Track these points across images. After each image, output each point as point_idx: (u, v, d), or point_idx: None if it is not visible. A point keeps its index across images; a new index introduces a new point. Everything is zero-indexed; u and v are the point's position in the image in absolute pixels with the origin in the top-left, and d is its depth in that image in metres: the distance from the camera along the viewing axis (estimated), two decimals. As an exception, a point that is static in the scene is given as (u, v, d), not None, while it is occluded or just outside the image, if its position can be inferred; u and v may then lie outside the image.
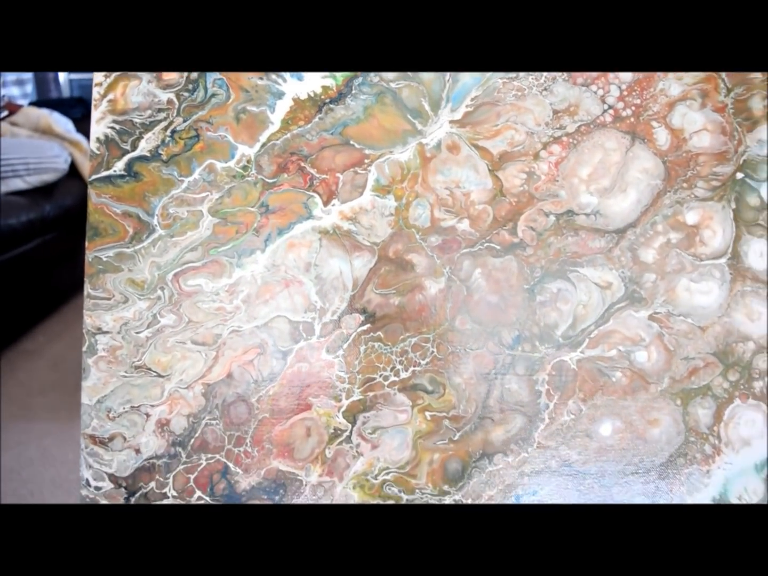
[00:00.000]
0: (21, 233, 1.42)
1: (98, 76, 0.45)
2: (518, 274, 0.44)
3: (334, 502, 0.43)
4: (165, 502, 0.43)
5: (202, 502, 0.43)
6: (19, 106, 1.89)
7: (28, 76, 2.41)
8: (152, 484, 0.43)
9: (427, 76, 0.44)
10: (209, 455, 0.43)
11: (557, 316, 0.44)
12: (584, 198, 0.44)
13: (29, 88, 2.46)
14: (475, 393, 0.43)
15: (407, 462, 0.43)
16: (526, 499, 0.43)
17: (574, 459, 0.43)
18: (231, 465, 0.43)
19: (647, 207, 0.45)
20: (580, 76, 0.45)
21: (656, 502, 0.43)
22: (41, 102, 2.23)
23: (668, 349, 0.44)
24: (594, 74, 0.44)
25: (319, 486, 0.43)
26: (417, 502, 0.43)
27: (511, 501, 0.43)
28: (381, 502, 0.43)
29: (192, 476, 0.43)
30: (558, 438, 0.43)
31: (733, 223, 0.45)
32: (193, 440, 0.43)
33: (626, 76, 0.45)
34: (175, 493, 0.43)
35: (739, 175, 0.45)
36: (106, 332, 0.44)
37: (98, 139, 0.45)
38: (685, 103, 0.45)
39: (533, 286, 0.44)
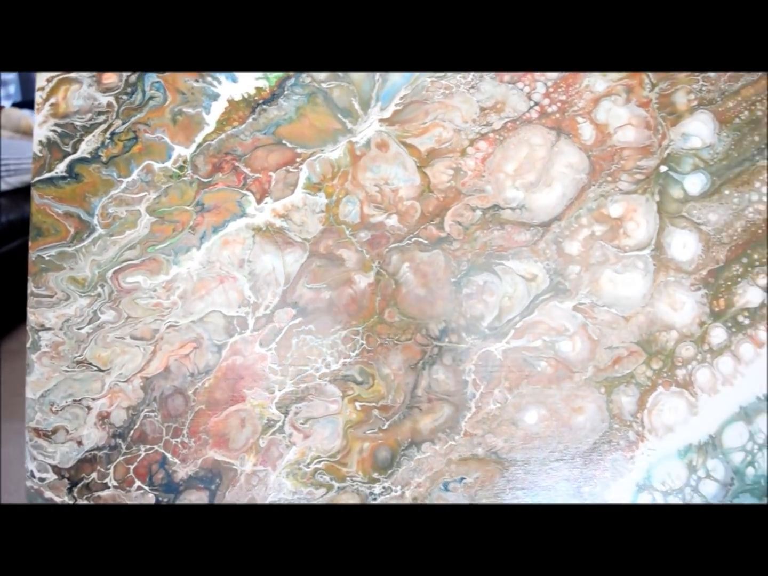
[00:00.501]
0: (2, 234, 1.44)
1: (41, 81, 0.47)
2: (445, 268, 0.45)
3: (267, 491, 0.44)
4: (106, 492, 0.45)
5: (141, 491, 0.45)
6: (0, 107, 1.92)
7: (11, 76, 2.43)
8: (94, 475, 0.45)
9: (357, 76, 0.46)
10: (148, 446, 0.45)
11: (483, 308, 0.45)
12: (510, 193, 0.45)
13: (12, 88, 2.48)
14: (404, 383, 0.45)
15: (338, 451, 0.45)
16: (453, 486, 0.44)
17: (500, 446, 0.45)
18: (169, 455, 0.45)
19: (572, 200, 0.46)
20: (507, 74, 0.46)
21: (580, 489, 0.45)
22: (24, 103, 2.25)
23: (592, 339, 0.45)
24: (520, 72, 0.46)
25: (254, 475, 0.44)
26: (348, 489, 0.44)
27: (439, 488, 0.44)
28: (313, 490, 0.44)
29: (132, 467, 0.45)
30: (484, 426, 0.45)
31: (657, 215, 0.46)
32: (132, 432, 0.45)
33: (552, 74, 0.46)
34: (115, 483, 0.45)
35: (663, 168, 0.46)
36: (49, 329, 0.45)
37: (41, 142, 0.46)
38: (610, 99, 0.46)
39: (460, 279, 0.45)
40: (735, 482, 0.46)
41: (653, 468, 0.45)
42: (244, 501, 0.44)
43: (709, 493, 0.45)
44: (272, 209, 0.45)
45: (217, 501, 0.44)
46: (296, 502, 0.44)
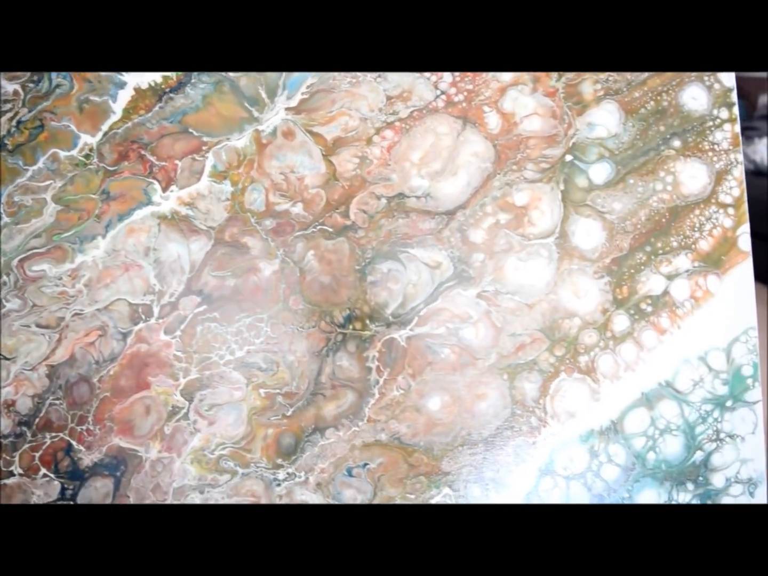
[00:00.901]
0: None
1: (-52, 69, 0.46)
2: (350, 256, 0.45)
3: (172, 477, 0.44)
4: (11, 480, 0.45)
5: (46, 479, 0.45)
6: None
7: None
8: (-1, 463, 0.45)
9: (264, 65, 0.46)
10: (53, 434, 0.45)
11: (387, 296, 0.45)
12: (415, 181, 0.46)
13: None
14: (308, 370, 0.45)
15: (242, 437, 0.45)
16: (357, 471, 0.45)
17: (403, 432, 0.45)
18: (74, 443, 0.45)
19: (477, 189, 0.46)
20: (414, 63, 0.46)
21: (483, 474, 0.45)
22: None
23: (495, 326, 0.46)
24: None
25: (159, 461, 0.45)
26: (252, 475, 0.45)
27: (343, 473, 0.45)
28: (217, 476, 0.45)
29: (37, 454, 0.45)
30: (388, 412, 0.45)
31: (562, 203, 0.46)
32: (38, 420, 0.45)
33: (459, 63, 0.46)
34: (21, 471, 0.45)
35: (568, 158, 0.46)
36: (-45, 317, 0.45)
37: (-53, 130, 0.46)
38: (517, 88, 0.47)
39: (364, 266, 0.45)
40: (636, 467, 0.46)
41: (555, 453, 0.46)
42: (149, 488, 0.44)
43: (610, 477, 0.46)
44: (178, 197, 0.46)
45: (122, 488, 0.44)
46: (201, 488, 0.45)
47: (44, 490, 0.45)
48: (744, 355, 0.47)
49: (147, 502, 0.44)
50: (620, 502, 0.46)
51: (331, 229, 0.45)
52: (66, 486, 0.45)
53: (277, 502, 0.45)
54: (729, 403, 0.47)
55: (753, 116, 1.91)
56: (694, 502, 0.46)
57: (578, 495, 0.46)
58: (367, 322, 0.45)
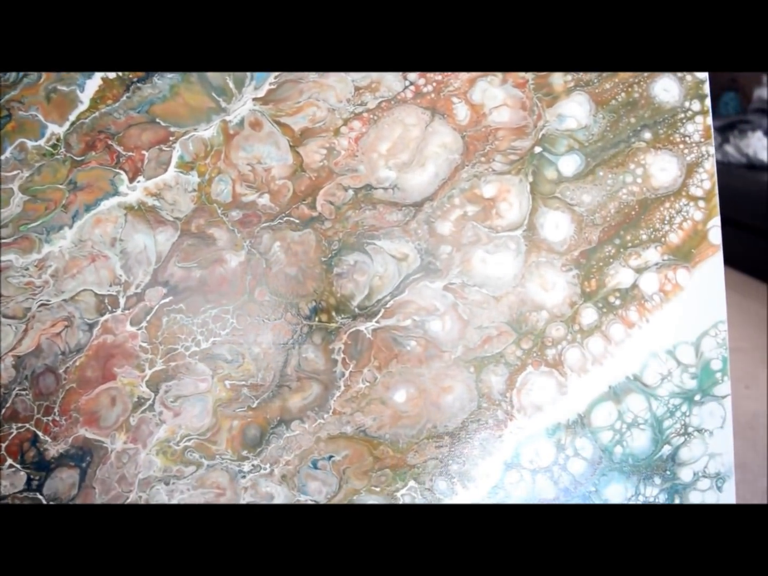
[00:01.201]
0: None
1: None
2: (316, 247, 0.45)
3: (138, 469, 0.44)
4: (-23, 469, 0.45)
5: (12, 470, 0.45)
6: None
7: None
8: (-35, 453, 0.45)
9: (232, 55, 0.45)
10: (19, 424, 0.45)
11: (354, 287, 0.45)
12: (383, 172, 0.46)
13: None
14: (274, 362, 0.45)
15: (208, 429, 0.45)
16: (322, 464, 0.45)
17: (368, 425, 0.45)
18: (40, 434, 0.45)
19: (445, 181, 0.46)
20: (383, 54, 0.46)
21: (448, 466, 0.45)
22: None
23: (462, 319, 0.45)
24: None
25: (124, 453, 0.45)
26: (217, 467, 0.45)
27: (308, 465, 0.45)
28: (183, 468, 0.45)
29: (3, 445, 0.45)
30: (353, 405, 0.45)
31: (530, 195, 0.46)
32: (3, 410, 0.45)
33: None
34: (-13, 461, 0.45)
35: (537, 149, 0.46)
36: None
37: None
38: (486, 79, 0.46)
39: (331, 258, 0.45)
40: (603, 461, 0.46)
41: (521, 446, 0.46)
42: (115, 479, 0.44)
43: (577, 471, 0.46)
44: (144, 188, 0.45)
45: (87, 479, 0.44)
46: (166, 479, 0.45)
47: (10, 481, 0.45)
48: (713, 349, 0.47)
49: (112, 493, 0.44)
50: (587, 495, 0.46)
51: (297, 221, 0.45)
52: (32, 477, 0.45)
53: (242, 494, 0.45)
54: (698, 398, 0.47)
55: (747, 110, 1.90)
56: (662, 496, 0.46)
57: (544, 489, 0.46)
58: (333, 314, 0.45)
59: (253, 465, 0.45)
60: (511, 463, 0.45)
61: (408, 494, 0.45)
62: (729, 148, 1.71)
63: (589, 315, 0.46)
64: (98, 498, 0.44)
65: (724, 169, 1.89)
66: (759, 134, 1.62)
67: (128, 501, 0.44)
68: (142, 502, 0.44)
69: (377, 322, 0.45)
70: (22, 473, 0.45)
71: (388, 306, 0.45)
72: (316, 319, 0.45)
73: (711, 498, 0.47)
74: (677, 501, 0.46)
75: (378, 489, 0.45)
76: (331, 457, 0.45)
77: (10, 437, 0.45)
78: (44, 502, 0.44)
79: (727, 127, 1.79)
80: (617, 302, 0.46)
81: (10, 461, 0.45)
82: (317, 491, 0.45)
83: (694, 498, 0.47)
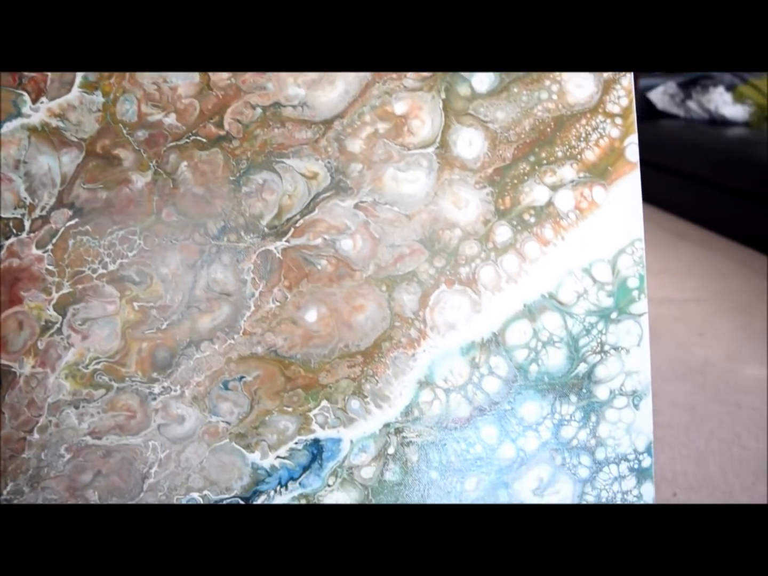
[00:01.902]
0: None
1: None
2: (224, 166, 0.45)
3: (47, 393, 0.44)
4: None
5: None
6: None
7: None
8: None
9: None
10: (-74, 350, 0.44)
11: (263, 207, 0.45)
12: (291, 90, 0.45)
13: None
14: (182, 283, 0.44)
15: (116, 351, 0.44)
16: (233, 384, 0.44)
17: (279, 345, 0.45)
18: (-53, 359, 0.44)
19: (355, 98, 0.45)
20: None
21: (362, 386, 0.45)
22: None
23: (374, 237, 0.45)
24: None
25: (33, 377, 0.44)
26: (127, 390, 0.44)
27: (219, 387, 0.44)
28: (92, 391, 0.44)
29: None
30: (264, 325, 0.45)
31: (443, 112, 0.45)
32: None
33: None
34: None
35: (450, 66, 0.45)
36: None
37: None
38: (398, -5, 0.45)
39: (239, 177, 0.45)
40: (518, 379, 0.46)
41: (435, 365, 0.45)
42: (24, 403, 0.44)
43: (492, 390, 0.46)
44: (48, 109, 0.44)
45: (-4, 404, 0.44)
46: (76, 403, 0.44)
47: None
48: (630, 267, 0.46)
49: (22, 418, 0.44)
50: (502, 413, 0.46)
51: (205, 140, 0.44)
52: (-59, 403, 0.44)
53: (153, 416, 0.44)
54: (614, 315, 0.46)
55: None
56: (578, 414, 0.46)
57: (459, 407, 0.46)
58: (242, 233, 0.44)
59: (163, 387, 0.44)
60: (425, 382, 0.45)
61: (321, 414, 0.45)
62: (691, 104, 1.69)
63: (503, 233, 0.45)
64: (8, 423, 0.44)
65: (687, 125, 1.89)
66: (721, 89, 1.61)
67: (38, 425, 0.44)
68: (52, 426, 0.44)
69: (287, 241, 0.45)
70: (-69, 400, 0.44)
71: (297, 225, 0.45)
72: (225, 239, 0.44)
73: (628, 416, 0.47)
74: (593, 419, 0.46)
75: (290, 409, 0.45)
76: (242, 377, 0.45)
77: None
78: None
79: (689, 83, 1.77)
80: (532, 220, 0.46)
81: None
82: (228, 412, 0.45)
83: (611, 416, 0.46)
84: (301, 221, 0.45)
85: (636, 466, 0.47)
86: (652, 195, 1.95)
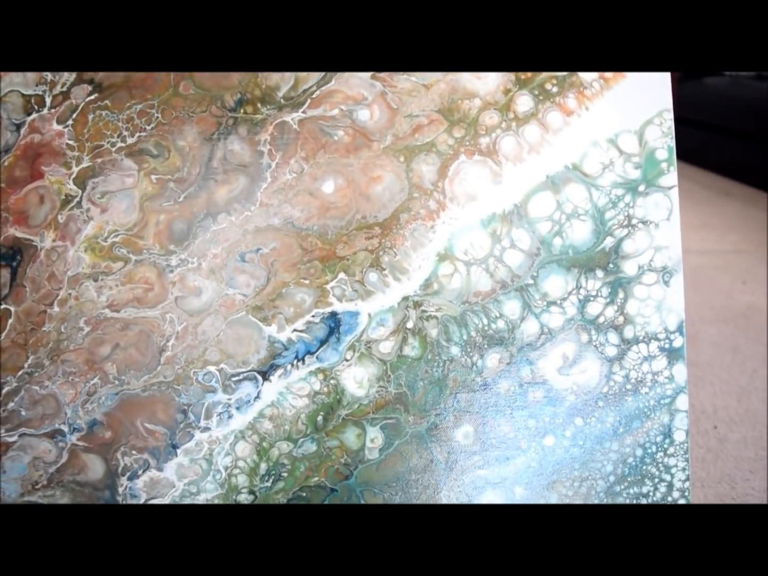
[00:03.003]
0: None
1: None
2: (241, 39, 0.44)
3: (67, 266, 0.44)
4: None
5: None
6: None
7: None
8: None
9: None
10: (-48, 226, 0.45)
11: (279, 78, 0.44)
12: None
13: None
14: (199, 155, 0.44)
15: (135, 224, 0.44)
16: (250, 257, 0.44)
17: (296, 216, 0.44)
18: (-29, 235, 0.45)
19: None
20: None
21: (380, 258, 0.44)
22: None
23: (391, 107, 0.44)
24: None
25: (53, 250, 0.44)
26: (145, 262, 0.44)
27: (236, 258, 0.44)
28: (111, 264, 0.44)
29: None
30: (280, 196, 0.44)
31: (461, -18, 0.44)
32: (-64, 213, 0.45)
33: None
34: None
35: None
36: None
37: None
38: None
39: (255, 49, 0.44)
40: (542, 252, 0.44)
41: (455, 237, 0.44)
42: (45, 277, 0.44)
43: (514, 263, 0.44)
44: (69, -13, 0.45)
45: (18, 278, 0.44)
46: (95, 276, 0.44)
47: None
48: (658, 138, 0.44)
49: (43, 291, 0.44)
50: (524, 288, 0.44)
51: (221, 13, 0.44)
52: (-35, 278, 0.45)
53: (171, 288, 0.44)
54: (642, 188, 0.44)
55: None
56: (604, 290, 0.44)
57: (480, 281, 0.44)
58: (259, 105, 0.44)
59: (180, 259, 0.44)
60: (445, 255, 0.44)
61: (338, 286, 0.44)
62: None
63: (524, 102, 0.44)
64: (29, 296, 0.44)
65: (732, 80, 1.88)
66: None
67: (59, 298, 0.44)
68: (72, 299, 0.44)
69: (303, 112, 0.44)
70: (-44, 275, 0.45)
71: (314, 96, 0.44)
72: (242, 111, 0.44)
73: (658, 293, 0.45)
74: (621, 295, 0.45)
75: (307, 281, 0.44)
76: (258, 249, 0.44)
77: (-57, 240, 0.45)
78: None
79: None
80: (554, 89, 0.44)
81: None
82: (245, 284, 0.44)
83: (640, 293, 0.45)
84: (318, 92, 0.44)
85: (667, 346, 0.45)
86: (694, 154, 1.92)
